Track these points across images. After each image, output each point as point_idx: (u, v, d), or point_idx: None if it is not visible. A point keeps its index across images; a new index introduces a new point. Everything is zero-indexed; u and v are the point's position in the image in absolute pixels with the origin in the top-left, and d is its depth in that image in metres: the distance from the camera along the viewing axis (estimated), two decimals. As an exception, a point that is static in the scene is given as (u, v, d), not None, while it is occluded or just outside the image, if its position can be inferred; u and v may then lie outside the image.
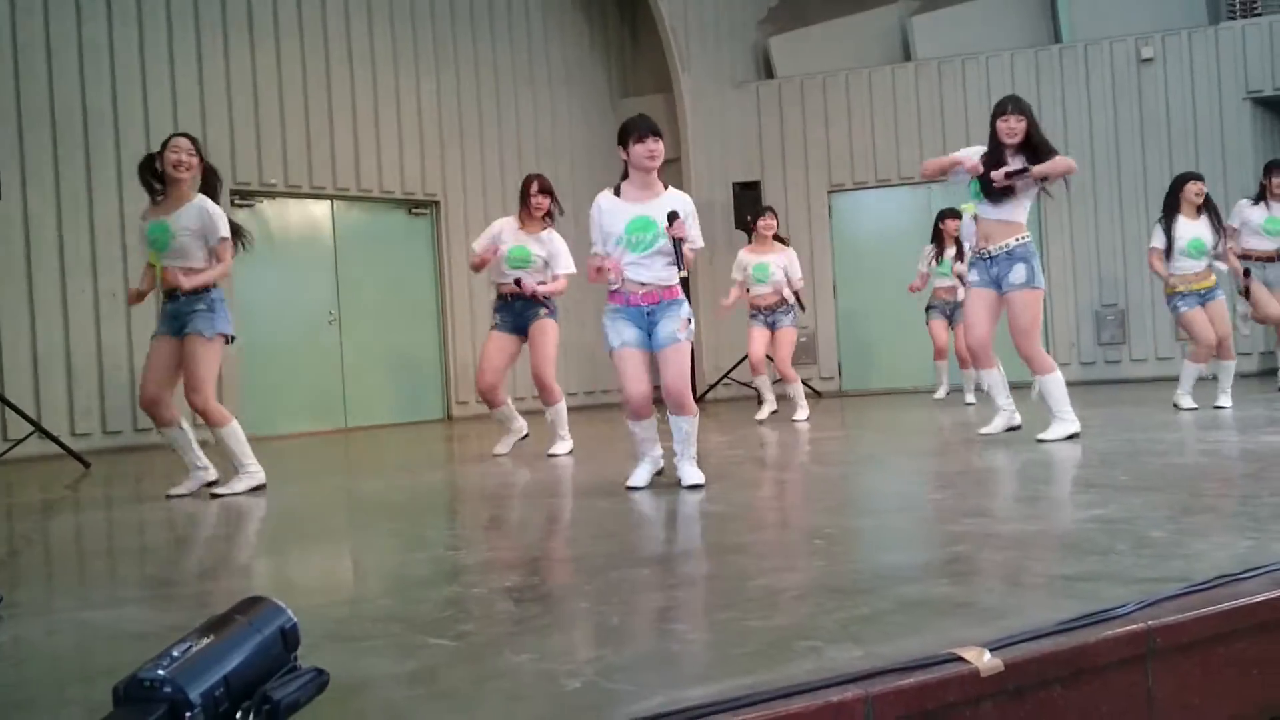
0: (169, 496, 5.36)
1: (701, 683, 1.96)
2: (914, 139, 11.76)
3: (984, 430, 6.01)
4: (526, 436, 6.73)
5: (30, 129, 8.66)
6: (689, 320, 4.68)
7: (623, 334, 4.67)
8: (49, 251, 8.70)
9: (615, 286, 4.69)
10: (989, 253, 5.64)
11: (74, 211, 8.78)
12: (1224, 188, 10.33)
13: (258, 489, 5.36)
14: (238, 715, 0.88)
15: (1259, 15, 11.08)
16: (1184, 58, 11.13)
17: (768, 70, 12.74)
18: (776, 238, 8.59)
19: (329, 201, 10.47)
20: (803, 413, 8.41)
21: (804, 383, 11.79)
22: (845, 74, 12.10)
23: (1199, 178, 7.52)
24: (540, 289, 6.33)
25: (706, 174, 12.25)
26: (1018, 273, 5.56)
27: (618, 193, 4.74)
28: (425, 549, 3.91)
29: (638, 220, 4.63)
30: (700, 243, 4.75)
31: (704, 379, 12.13)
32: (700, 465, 4.77)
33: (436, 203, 11.09)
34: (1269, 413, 6.74)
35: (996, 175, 5.48)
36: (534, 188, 6.38)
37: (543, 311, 6.40)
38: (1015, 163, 5.50)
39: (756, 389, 9.02)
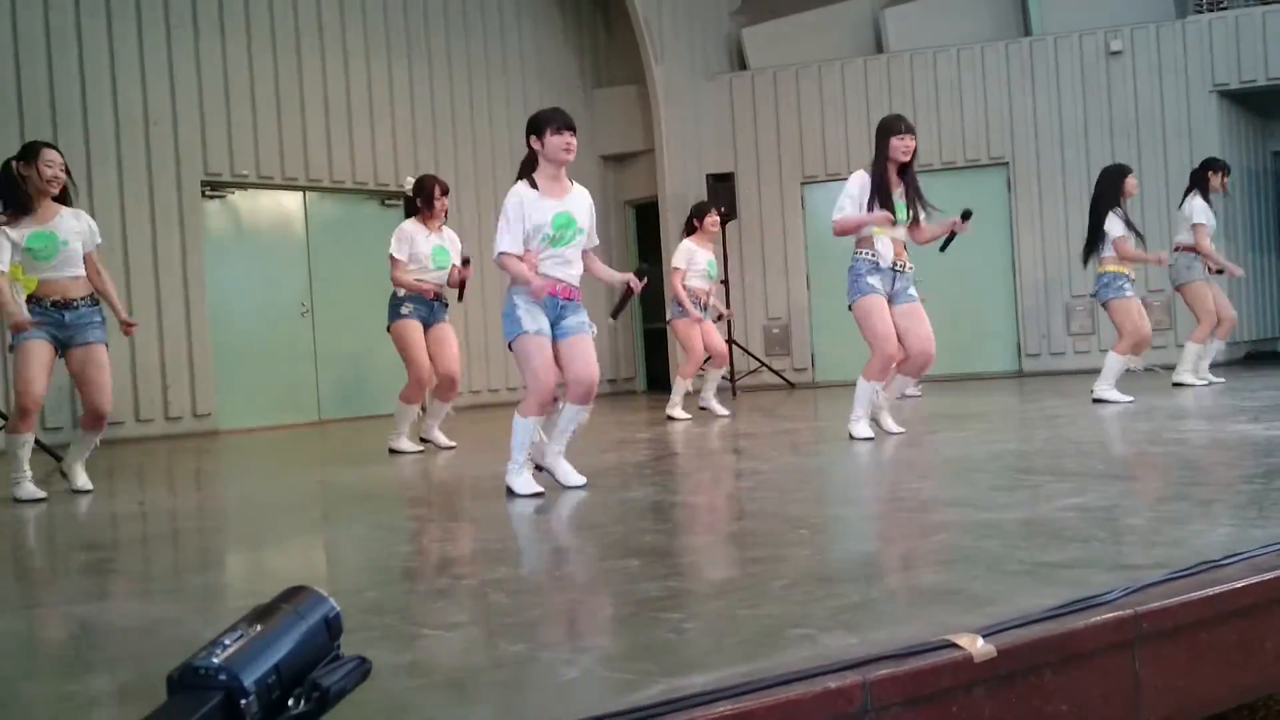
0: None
1: (700, 670, 1.98)
2: (886, 131, 11.80)
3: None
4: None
5: (-2, 120, 8.55)
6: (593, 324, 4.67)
7: (538, 320, 4.49)
8: (17, 243, 8.59)
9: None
10: (900, 266, 5.85)
11: (43, 203, 8.67)
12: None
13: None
14: (289, 702, 0.89)
15: (1225, 9, 11.21)
16: (1152, 51, 11.25)
17: (741, 62, 12.76)
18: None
19: (301, 193, 10.40)
20: (722, 409, 8.37)
21: (778, 373, 11.91)
22: (818, 66, 12.14)
23: (1131, 170, 7.76)
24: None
25: (680, 166, 12.26)
26: (914, 288, 5.92)
27: (534, 185, 4.59)
28: (411, 541, 3.91)
29: (560, 216, 4.54)
30: (596, 241, 4.77)
31: (676, 370, 12.14)
32: (682, 458, 4.79)
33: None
34: (1239, 402, 6.85)
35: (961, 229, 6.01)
36: (438, 190, 6.70)
37: (447, 315, 6.80)
38: (896, 181, 5.80)
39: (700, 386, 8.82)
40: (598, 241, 4.80)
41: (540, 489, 4.49)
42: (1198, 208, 8.34)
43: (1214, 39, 11.06)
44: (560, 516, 4.13)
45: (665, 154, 12.23)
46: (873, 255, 5.74)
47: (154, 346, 9.25)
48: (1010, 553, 2.88)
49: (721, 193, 11.18)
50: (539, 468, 4.63)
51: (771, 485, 4.65)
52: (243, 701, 0.87)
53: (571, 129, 4.56)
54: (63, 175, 5.26)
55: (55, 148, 5.38)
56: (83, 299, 5.27)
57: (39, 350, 5.16)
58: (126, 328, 5.56)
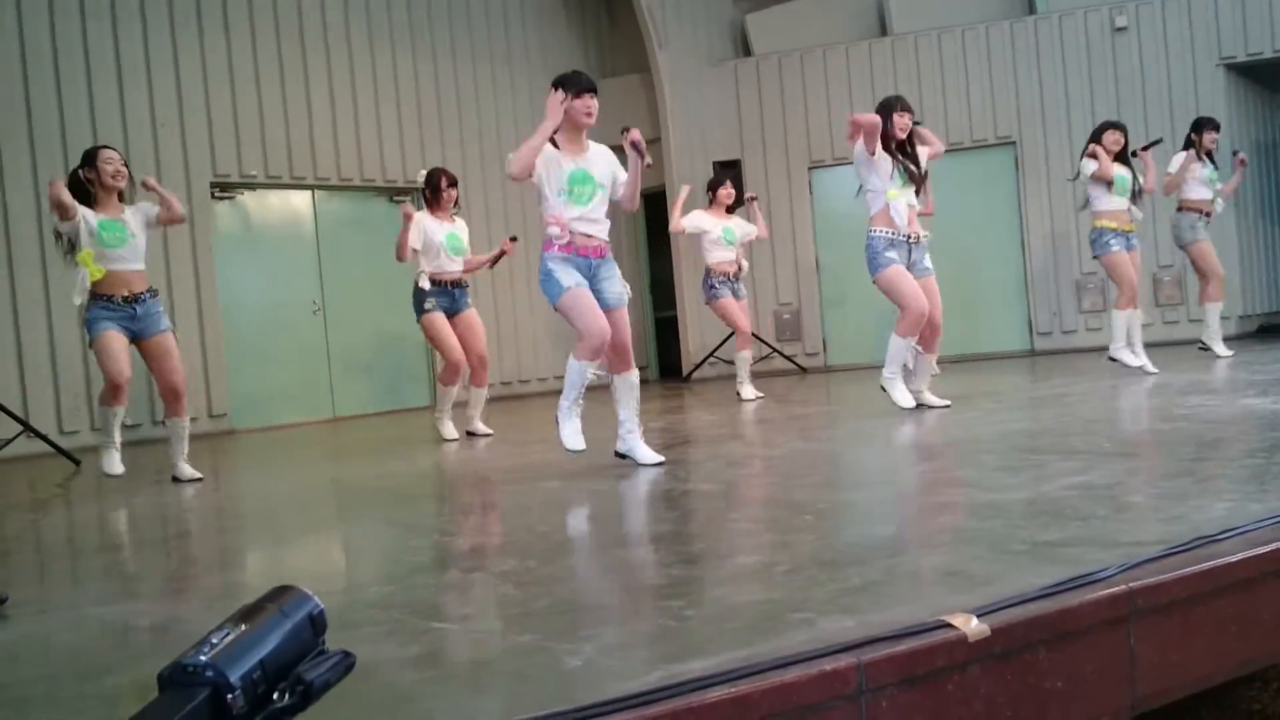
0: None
1: (698, 656, 2.02)
2: (892, 113, 11.79)
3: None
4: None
5: (7, 127, 8.63)
6: (626, 284, 4.84)
7: (574, 275, 4.65)
8: (30, 250, 8.68)
9: (563, 240, 4.65)
10: (914, 237, 6.11)
11: (54, 209, 8.75)
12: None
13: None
14: (274, 696, 0.94)
15: (1230, -19, 11.14)
16: (1157, 26, 11.19)
17: (745, 48, 12.75)
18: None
19: (310, 191, 10.47)
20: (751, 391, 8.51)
21: (789, 359, 11.93)
22: (823, 50, 12.13)
23: (1119, 127, 7.74)
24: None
25: (686, 153, 12.27)
26: (928, 259, 6.21)
27: (554, 144, 4.73)
28: (421, 535, 3.96)
29: (577, 173, 4.69)
30: (619, 194, 4.85)
31: (689, 358, 12.20)
32: (692, 446, 4.84)
33: (418, 189, 11.09)
34: (1249, 376, 6.84)
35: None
36: (444, 182, 7.05)
37: (471, 299, 7.08)
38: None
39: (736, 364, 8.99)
40: (620, 194, 4.87)
41: (583, 446, 4.75)
42: (1175, 158, 8.38)
43: (1219, 12, 10.99)
44: (570, 506, 4.18)
45: (671, 142, 12.24)
46: (888, 231, 5.95)
47: (169, 348, 9.34)
48: (1012, 532, 2.91)
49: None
50: (620, 455, 4.84)
51: (780, 471, 4.69)
52: (229, 696, 0.92)
53: (593, 91, 4.76)
54: (124, 169, 5.66)
55: (111, 147, 5.83)
56: (147, 291, 5.71)
57: (117, 340, 5.57)
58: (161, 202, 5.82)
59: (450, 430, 7.02)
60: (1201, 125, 8.60)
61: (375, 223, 10.76)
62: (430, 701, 2.00)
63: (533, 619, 2.49)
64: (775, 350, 11.86)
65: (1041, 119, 11.52)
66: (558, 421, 4.81)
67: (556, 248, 4.66)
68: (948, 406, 6.24)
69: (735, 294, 8.51)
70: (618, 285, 4.77)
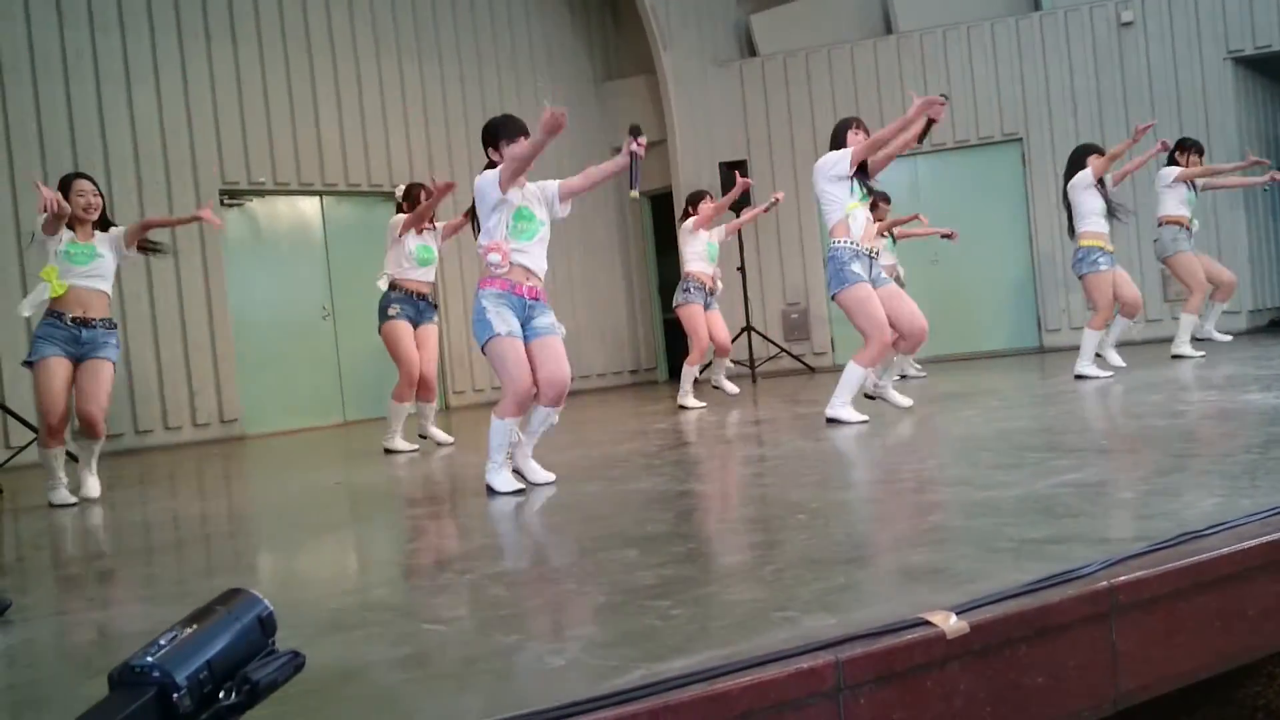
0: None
1: (680, 655, 2.05)
2: (899, 112, 11.71)
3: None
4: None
5: (17, 137, 8.72)
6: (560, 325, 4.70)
7: (509, 322, 4.49)
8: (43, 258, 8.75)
9: (501, 271, 4.53)
10: (873, 251, 6.06)
11: (65, 218, 8.83)
12: (1208, 147, 10.37)
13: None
14: (220, 695, 0.97)
15: (1237, -26, 11.11)
16: (1164, 20, 11.16)
17: (750, 48, 12.77)
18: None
19: (318, 197, 10.54)
20: (733, 387, 8.96)
21: (797, 358, 11.95)
22: (827, 49, 12.14)
23: (1099, 150, 7.78)
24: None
25: (692, 154, 12.30)
26: (884, 272, 6.20)
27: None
28: (419, 538, 4.00)
29: (521, 210, 4.58)
30: (561, 215, 4.71)
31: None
32: (694, 446, 4.85)
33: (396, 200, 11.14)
34: (1255, 371, 6.83)
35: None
36: (423, 196, 6.89)
37: (435, 317, 6.97)
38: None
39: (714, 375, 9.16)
40: (563, 215, 4.75)
41: (521, 486, 4.61)
42: (1166, 173, 8.43)
43: (1226, 4, 10.97)
44: (567, 509, 4.21)
45: (678, 143, 12.27)
46: (851, 242, 5.88)
47: (179, 355, 9.42)
48: (999, 530, 2.92)
49: (735, 181, 11.18)
50: (515, 471, 4.70)
51: (778, 471, 4.71)
52: (175, 695, 0.96)
53: (527, 134, 4.61)
54: (97, 200, 5.59)
55: (86, 176, 5.74)
56: (102, 320, 5.56)
57: (57, 368, 5.42)
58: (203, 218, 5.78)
59: (404, 444, 6.87)
60: (1188, 147, 8.59)
61: (383, 227, 10.76)
62: (415, 701, 2.03)
63: (520, 620, 2.52)
64: (783, 350, 11.87)
65: (1048, 115, 11.51)
66: (488, 482, 4.60)
67: (496, 284, 4.54)
68: (910, 406, 6.30)
69: (708, 305, 8.52)
70: (550, 317, 4.62)
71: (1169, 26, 11.15)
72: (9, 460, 7.82)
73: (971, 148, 11.73)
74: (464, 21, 11.72)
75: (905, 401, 6.36)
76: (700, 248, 8.53)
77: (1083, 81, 11.39)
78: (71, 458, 6.97)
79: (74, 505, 5.57)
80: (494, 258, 4.54)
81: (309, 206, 10.53)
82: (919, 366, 9.42)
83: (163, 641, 1.00)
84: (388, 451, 6.88)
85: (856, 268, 5.89)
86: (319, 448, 8.50)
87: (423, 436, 7.07)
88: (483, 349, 4.59)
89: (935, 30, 11.81)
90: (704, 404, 8.34)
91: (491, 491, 4.58)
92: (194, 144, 9.64)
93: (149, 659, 0.98)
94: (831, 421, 5.98)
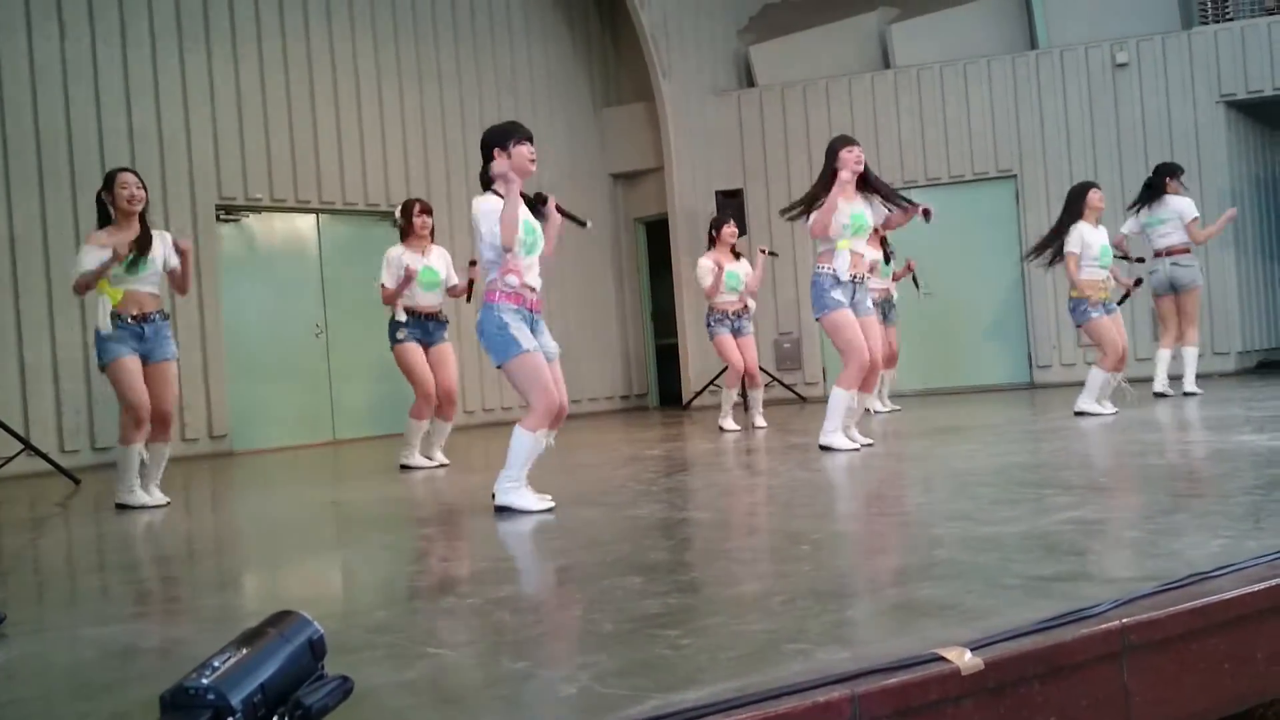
0: None
1: (693, 686, 2.03)
2: (894, 145, 11.88)
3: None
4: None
5: (14, 149, 8.69)
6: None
7: (530, 338, 4.51)
8: (36, 271, 8.73)
9: (514, 287, 4.53)
10: (860, 278, 6.12)
11: (60, 230, 8.80)
12: (1200, 190, 10.48)
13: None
14: (274, 719, 0.95)
15: (1230, 20, 11.22)
16: (1158, 62, 11.27)
17: (749, 78, 12.84)
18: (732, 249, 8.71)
19: (314, 215, 10.53)
20: (762, 419, 8.67)
21: (789, 387, 11.96)
22: (825, 82, 12.21)
23: (1098, 186, 7.79)
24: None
25: (689, 182, 12.34)
26: (870, 300, 6.31)
27: (499, 195, 4.59)
28: (418, 561, 3.97)
29: (526, 224, 4.60)
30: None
31: (689, 385, 12.22)
32: (691, 474, 4.84)
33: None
34: (1245, 412, 6.86)
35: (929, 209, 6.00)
36: (416, 209, 6.90)
37: (447, 333, 6.98)
38: (853, 194, 6.12)
39: (741, 397, 9.08)
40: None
41: (551, 501, 4.58)
42: (1186, 207, 8.47)
43: (1220, 50, 11.08)
44: (567, 535, 4.19)
45: (675, 171, 12.31)
46: (833, 270, 5.97)
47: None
48: (1006, 566, 2.92)
49: (731, 208, 11.24)
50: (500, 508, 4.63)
51: (777, 501, 4.70)
52: (230, 719, 0.94)
53: (531, 140, 4.63)
54: (140, 193, 5.70)
55: (130, 170, 5.88)
56: (157, 312, 5.74)
57: (133, 365, 5.59)
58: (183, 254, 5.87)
59: (421, 460, 6.90)
60: (1176, 173, 8.72)
61: (378, 247, 10.67)
62: (426, 727, 2.01)
63: (528, 646, 2.50)
64: (775, 379, 11.88)
65: (1043, 153, 11.59)
66: (508, 502, 4.52)
67: (511, 298, 4.52)
68: (868, 445, 6.24)
69: (738, 331, 8.54)
70: (551, 339, 4.68)
71: (1163, 69, 11.26)
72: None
73: (966, 183, 11.80)
74: (465, 44, 11.76)
75: (854, 445, 6.16)
76: (718, 277, 8.54)
77: (1077, 121, 11.48)
78: (61, 471, 6.93)
79: (162, 506, 5.70)
80: (512, 280, 4.55)
81: (305, 224, 10.51)
82: (887, 402, 9.46)
83: (216, 663, 0.98)
84: (404, 468, 6.88)
85: (837, 295, 6.05)
86: (315, 466, 8.44)
87: (427, 456, 7.00)
88: (501, 365, 4.57)
89: (932, 66, 11.90)
90: (739, 427, 8.40)
91: (508, 511, 4.52)
92: (192, 158, 9.62)
93: (203, 681, 0.95)
94: (825, 449, 6.01)
